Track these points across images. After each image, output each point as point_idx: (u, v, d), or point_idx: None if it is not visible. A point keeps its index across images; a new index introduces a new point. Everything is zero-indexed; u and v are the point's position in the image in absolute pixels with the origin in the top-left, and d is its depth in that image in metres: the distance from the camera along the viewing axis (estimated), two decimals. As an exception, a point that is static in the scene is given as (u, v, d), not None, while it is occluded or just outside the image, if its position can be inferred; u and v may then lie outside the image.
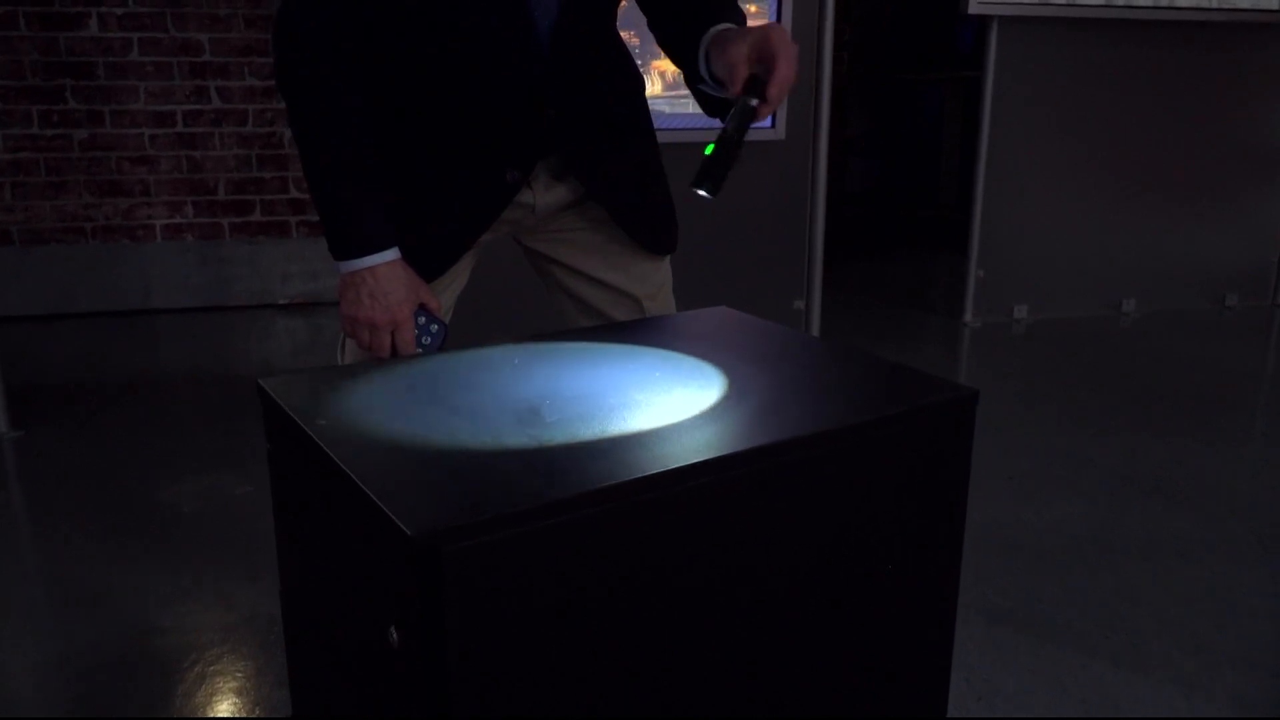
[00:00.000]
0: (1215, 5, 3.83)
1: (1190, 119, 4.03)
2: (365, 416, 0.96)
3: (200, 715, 1.70)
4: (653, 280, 1.46)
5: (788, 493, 0.89)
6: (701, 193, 1.07)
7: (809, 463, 0.90)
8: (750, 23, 1.21)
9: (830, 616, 0.95)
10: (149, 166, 4.02)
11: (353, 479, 0.79)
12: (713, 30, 1.18)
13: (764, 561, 0.89)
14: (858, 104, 6.26)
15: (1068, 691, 1.75)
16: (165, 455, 2.72)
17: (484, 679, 0.75)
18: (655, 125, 1.48)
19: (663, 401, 0.98)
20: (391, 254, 1.24)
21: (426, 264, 1.31)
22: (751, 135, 3.66)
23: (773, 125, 3.43)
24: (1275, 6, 3.89)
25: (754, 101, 1.03)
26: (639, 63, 1.50)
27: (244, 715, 1.70)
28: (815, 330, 3.65)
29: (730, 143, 1.03)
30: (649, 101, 1.49)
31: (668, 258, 1.49)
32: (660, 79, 3.29)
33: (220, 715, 1.70)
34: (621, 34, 1.44)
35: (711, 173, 1.04)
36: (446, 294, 1.39)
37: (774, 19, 3.31)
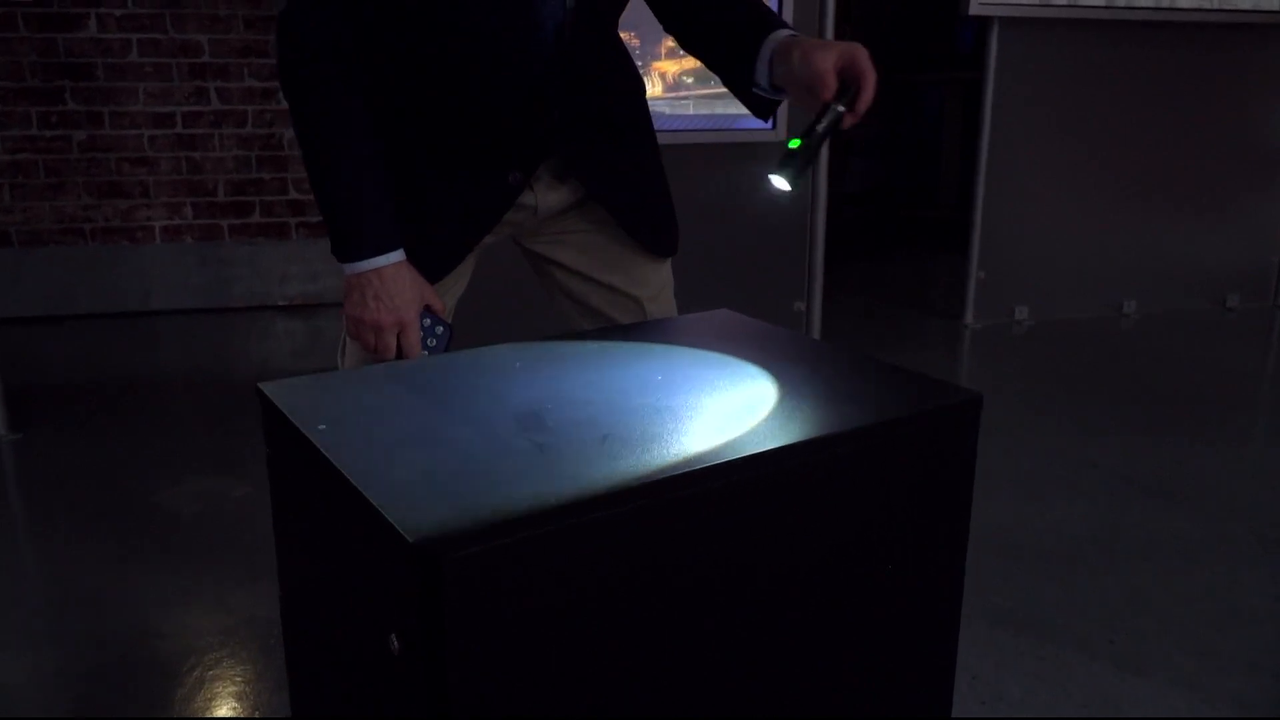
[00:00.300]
0: (1216, 6, 3.82)
1: (1191, 120, 4.03)
2: (365, 421, 0.95)
3: (199, 718, 1.69)
4: (654, 282, 1.46)
5: (792, 497, 0.89)
6: (780, 183, 1.14)
7: (813, 467, 0.89)
8: None
9: (835, 619, 0.95)
10: (148, 168, 4.01)
11: (353, 485, 0.79)
12: (777, 37, 1.21)
13: (768, 565, 0.88)
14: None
15: (1070, 693, 1.74)
16: (164, 457, 2.71)
17: (485, 686, 0.74)
18: (655, 126, 1.48)
19: (665, 406, 0.98)
20: (397, 255, 1.24)
21: (429, 266, 1.30)
22: (750, 136, 3.65)
23: (773, 126, 3.43)
24: (1276, 7, 3.89)
25: (841, 108, 1.12)
26: (639, 64, 1.50)
27: (243, 718, 1.70)
28: (816, 332, 3.65)
29: (817, 142, 1.12)
30: (649, 103, 1.48)
31: (669, 260, 1.49)
32: (660, 80, 3.29)
33: (219, 718, 1.70)
34: (621, 35, 1.44)
35: (795, 165, 1.12)
36: (447, 296, 1.39)
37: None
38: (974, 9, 3.64)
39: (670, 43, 3.30)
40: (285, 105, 4.22)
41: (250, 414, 2.79)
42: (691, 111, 3.35)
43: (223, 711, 1.72)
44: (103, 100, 3.91)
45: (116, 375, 3.45)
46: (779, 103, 1.27)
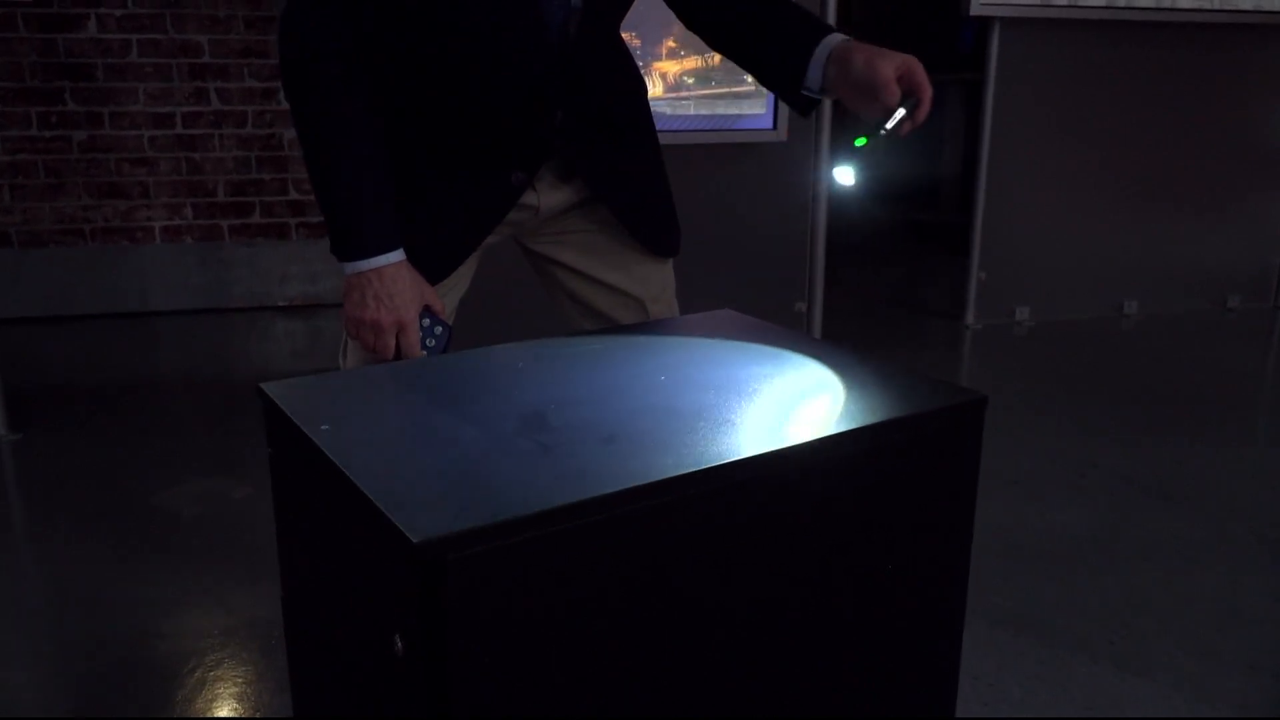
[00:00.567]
0: (1217, 6, 3.82)
1: (1192, 120, 4.03)
2: (368, 422, 0.95)
3: (201, 718, 1.69)
4: (656, 282, 1.46)
5: (796, 497, 0.88)
6: (845, 177, 1.23)
7: (818, 467, 0.89)
8: None
9: (838, 620, 0.95)
10: (148, 168, 4.01)
11: (356, 485, 0.78)
12: (832, 41, 1.24)
13: (772, 566, 0.88)
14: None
15: (1071, 694, 1.74)
16: (164, 457, 2.71)
17: (488, 687, 0.74)
18: (656, 127, 1.48)
19: (668, 406, 0.98)
20: (397, 255, 1.24)
21: (431, 267, 1.30)
22: (751, 137, 3.64)
23: (774, 126, 3.43)
24: (1276, 8, 3.89)
25: (904, 112, 1.19)
26: (639, 64, 1.50)
27: (245, 719, 1.70)
28: (817, 332, 3.65)
29: (881, 142, 1.20)
30: (650, 103, 1.48)
31: (670, 261, 1.49)
32: (661, 80, 3.29)
33: (221, 718, 1.70)
34: (622, 35, 1.44)
35: (861, 159, 1.22)
36: (449, 297, 1.38)
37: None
38: (975, 9, 3.63)
39: (671, 43, 3.32)
40: (285, 105, 4.23)
41: (250, 415, 2.79)
42: (692, 112, 3.35)
43: (224, 712, 1.71)
44: (103, 100, 3.91)
45: (116, 375, 3.45)
46: (819, 102, 1.31)
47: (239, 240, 4.15)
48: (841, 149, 1.21)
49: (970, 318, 3.99)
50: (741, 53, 1.38)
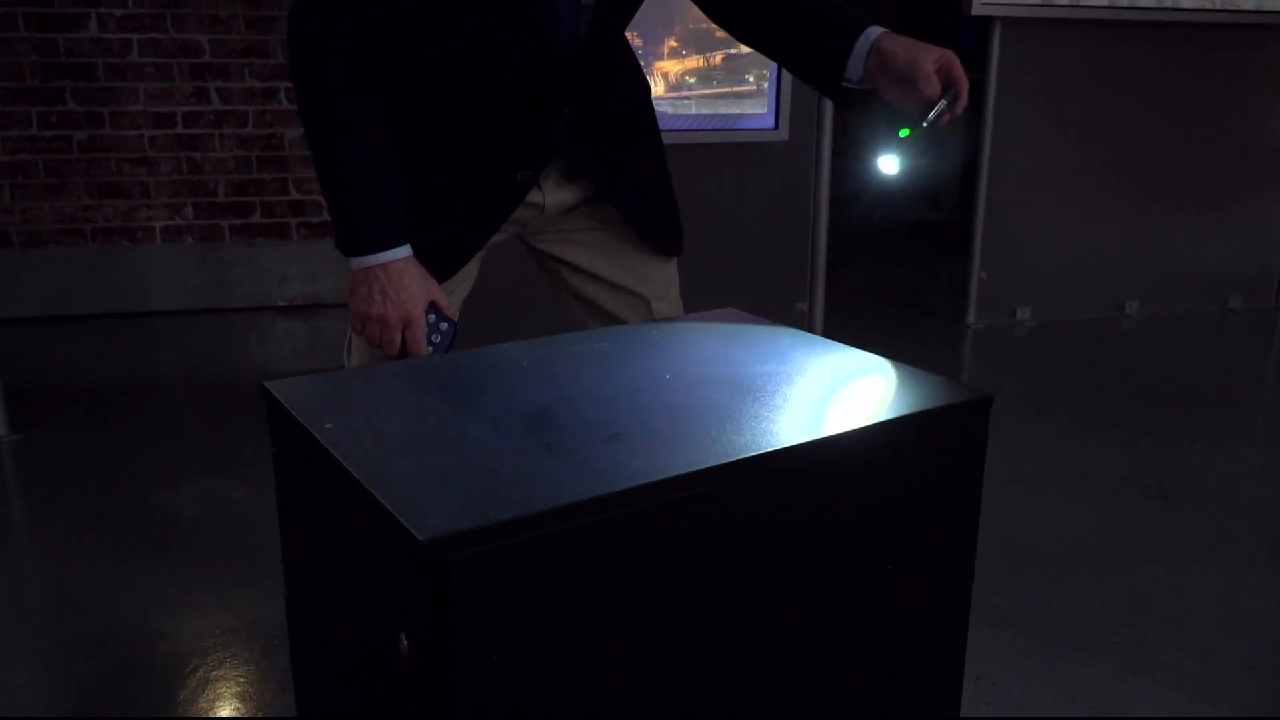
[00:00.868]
0: (1219, 6, 3.82)
1: (1193, 120, 4.03)
2: (372, 420, 0.95)
3: (203, 718, 1.69)
4: (660, 280, 1.46)
5: (801, 495, 0.88)
6: (890, 166, 1.27)
7: (823, 465, 0.89)
8: None
9: (843, 619, 0.94)
10: (148, 168, 4.01)
11: (361, 484, 0.78)
12: (871, 35, 1.25)
13: (778, 565, 0.88)
14: (859, 106, 6.25)
15: (1073, 694, 1.74)
16: (165, 458, 2.71)
17: (494, 686, 0.74)
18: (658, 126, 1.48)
19: (674, 404, 0.97)
20: (404, 251, 1.24)
21: (437, 265, 1.30)
22: (753, 136, 3.63)
23: (775, 126, 3.43)
24: (1277, 8, 3.88)
25: (945, 103, 1.21)
26: (641, 64, 1.50)
27: (247, 719, 1.69)
28: (818, 332, 3.64)
29: (925, 131, 1.23)
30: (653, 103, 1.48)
31: (674, 260, 1.49)
32: (663, 80, 3.28)
33: (223, 718, 1.69)
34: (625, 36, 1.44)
35: (905, 149, 1.26)
36: (453, 296, 1.38)
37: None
38: (976, 9, 3.63)
39: (673, 42, 3.32)
40: (286, 105, 4.23)
41: (250, 415, 2.79)
42: (694, 111, 3.35)
43: (226, 712, 1.71)
44: (103, 100, 3.90)
45: (116, 376, 3.44)
46: (855, 92, 1.32)
47: (239, 240, 4.14)
48: (887, 139, 1.26)
49: (971, 317, 3.99)
50: (777, 47, 1.40)
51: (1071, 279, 4.06)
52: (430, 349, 1.27)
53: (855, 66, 1.27)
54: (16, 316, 3.90)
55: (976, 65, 4.12)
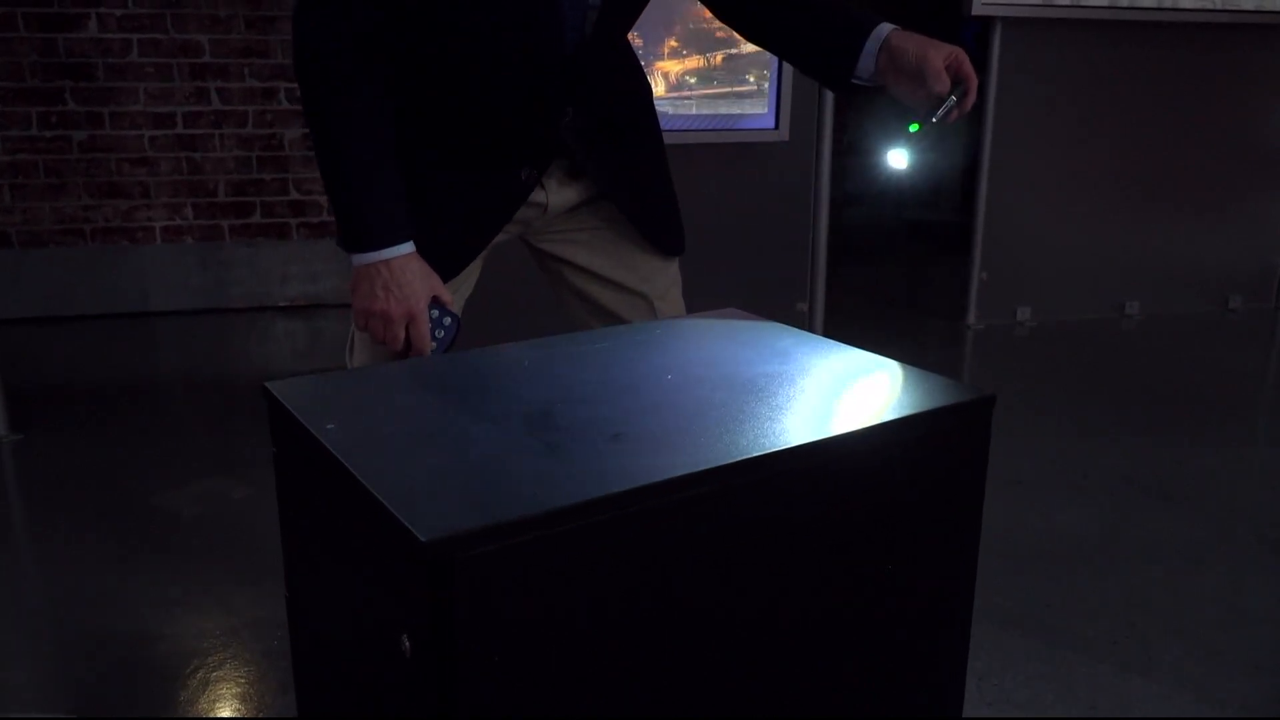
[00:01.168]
0: (1219, 6, 3.82)
1: (1193, 120, 4.03)
2: (374, 420, 0.94)
3: (203, 719, 1.68)
4: (662, 280, 1.46)
5: (804, 495, 0.88)
6: (899, 161, 1.27)
7: (826, 466, 0.89)
8: None
9: (846, 619, 0.94)
10: (148, 168, 4.00)
11: (362, 484, 0.78)
12: (882, 32, 1.26)
13: (780, 565, 0.88)
14: (860, 106, 6.25)
15: (1076, 694, 1.74)
16: (165, 458, 2.71)
17: (497, 687, 0.74)
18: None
19: (676, 404, 0.97)
20: (407, 247, 1.24)
21: (440, 266, 1.30)
22: (753, 136, 3.63)
23: (776, 126, 3.43)
24: (1278, 8, 3.88)
25: (955, 99, 1.23)
26: (642, 64, 1.50)
27: (247, 719, 1.69)
28: (818, 332, 3.64)
29: (934, 128, 1.25)
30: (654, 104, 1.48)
31: (676, 260, 1.49)
32: (663, 80, 3.28)
33: (223, 719, 1.69)
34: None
35: (913, 146, 1.26)
36: (456, 296, 1.38)
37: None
38: (976, 9, 3.63)
39: (674, 42, 3.32)
40: (286, 106, 4.23)
41: (250, 415, 2.78)
42: (694, 111, 3.34)
43: (226, 713, 1.71)
44: (103, 100, 3.90)
45: (116, 376, 3.44)
46: (864, 88, 1.33)
47: (239, 240, 4.14)
48: (897, 134, 1.26)
49: (972, 318, 3.99)
50: (785, 45, 1.40)
51: (1072, 279, 4.06)
52: (434, 344, 1.27)
53: (866, 64, 1.28)
54: (16, 316, 3.90)
55: (977, 65, 4.12)
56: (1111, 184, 4.02)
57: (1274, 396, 3.50)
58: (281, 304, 4.18)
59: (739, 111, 3.38)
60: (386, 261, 1.22)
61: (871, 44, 1.27)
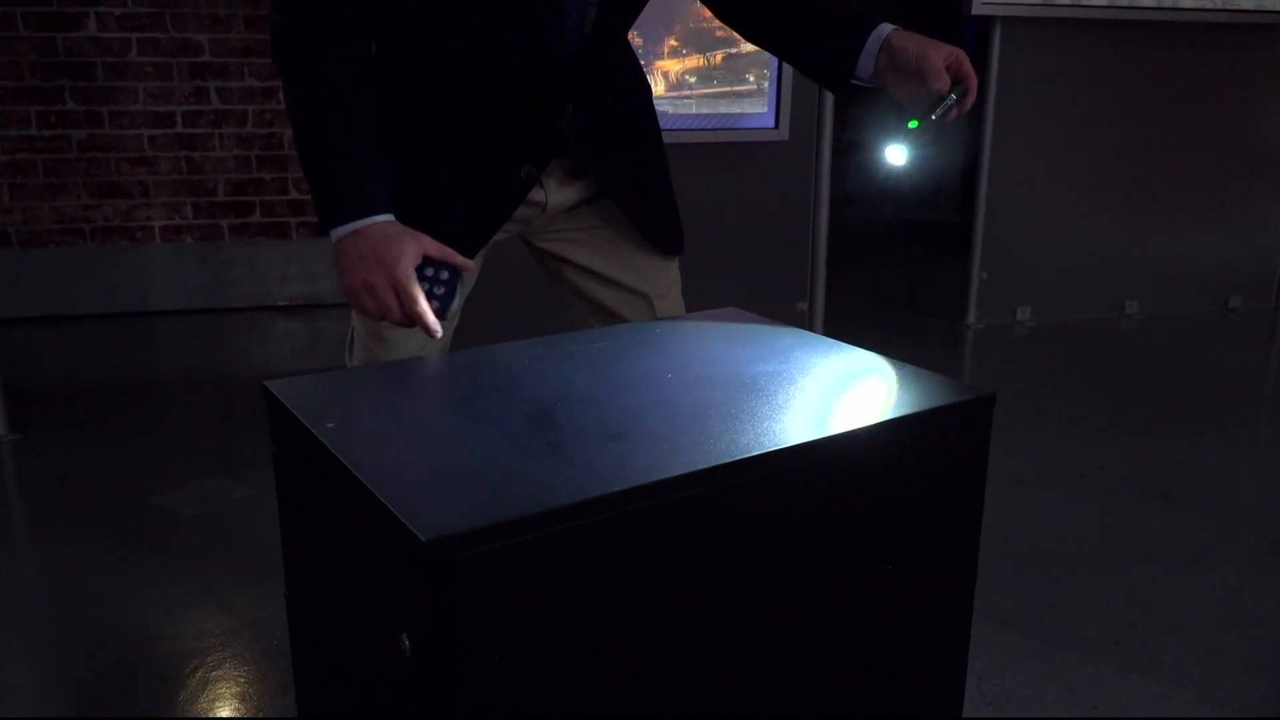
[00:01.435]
0: (1219, 6, 3.82)
1: (1193, 120, 4.03)
2: (374, 419, 0.94)
3: (203, 718, 1.68)
4: (662, 279, 1.46)
5: (805, 494, 0.88)
6: (897, 156, 1.26)
7: (826, 465, 0.89)
8: None
9: (846, 618, 0.94)
10: (148, 168, 4.00)
11: (363, 483, 0.78)
12: (882, 33, 1.26)
13: (781, 564, 0.88)
14: (860, 105, 6.25)
15: (1077, 695, 1.74)
16: (165, 458, 2.70)
17: (497, 687, 0.74)
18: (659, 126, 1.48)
19: (676, 403, 0.97)
20: (383, 217, 1.17)
21: None
22: (753, 136, 3.64)
23: (776, 126, 3.43)
24: (1278, 8, 3.88)
25: (954, 97, 1.23)
26: (642, 64, 1.50)
27: (247, 719, 1.69)
28: (819, 332, 3.64)
29: (933, 126, 1.25)
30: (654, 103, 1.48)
31: (676, 259, 1.49)
32: (663, 79, 3.28)
33: (223, 719, 1.69)
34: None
35: (912, 142, 1.26)
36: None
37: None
38: (977, 9, 3.63)
39: (674, 41, 3.32)
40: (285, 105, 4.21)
41: (250, 415, 2.78)
42: (694, 111, 3.34)
43: (226, 713, 1.71)
44: (102, 100, 3.90)
45: (116, 375, 3.44)
46: (862, 89, 1.33)
47: (239, 240, 4.14)
48: (897, 132, 1.26)
49: (971, 318, 3.98)
50: (784, 45, 1.40)
51: (1072, 279, 4.05)
52: (436, 304, 1.16)
53: (866, 64, 1.28)
54: (16, 316, 3.90)
55: (976, 65, 4.12)
56: (1111, 184, 4.02)
57: (1274, 396, 3.50)
58: (281, 304, 4.18)
59: (739, 111, 3.38)
60: (356, 231, 1.15)
61: (872, 44, 1.27)
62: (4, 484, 2.61)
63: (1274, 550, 2.26)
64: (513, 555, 0.72)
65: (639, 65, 1.47)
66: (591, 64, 1.29)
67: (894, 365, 1.08)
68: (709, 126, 3.36)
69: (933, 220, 6.05)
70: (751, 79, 3.37)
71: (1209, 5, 3.81)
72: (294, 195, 4.16)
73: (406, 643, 0.75)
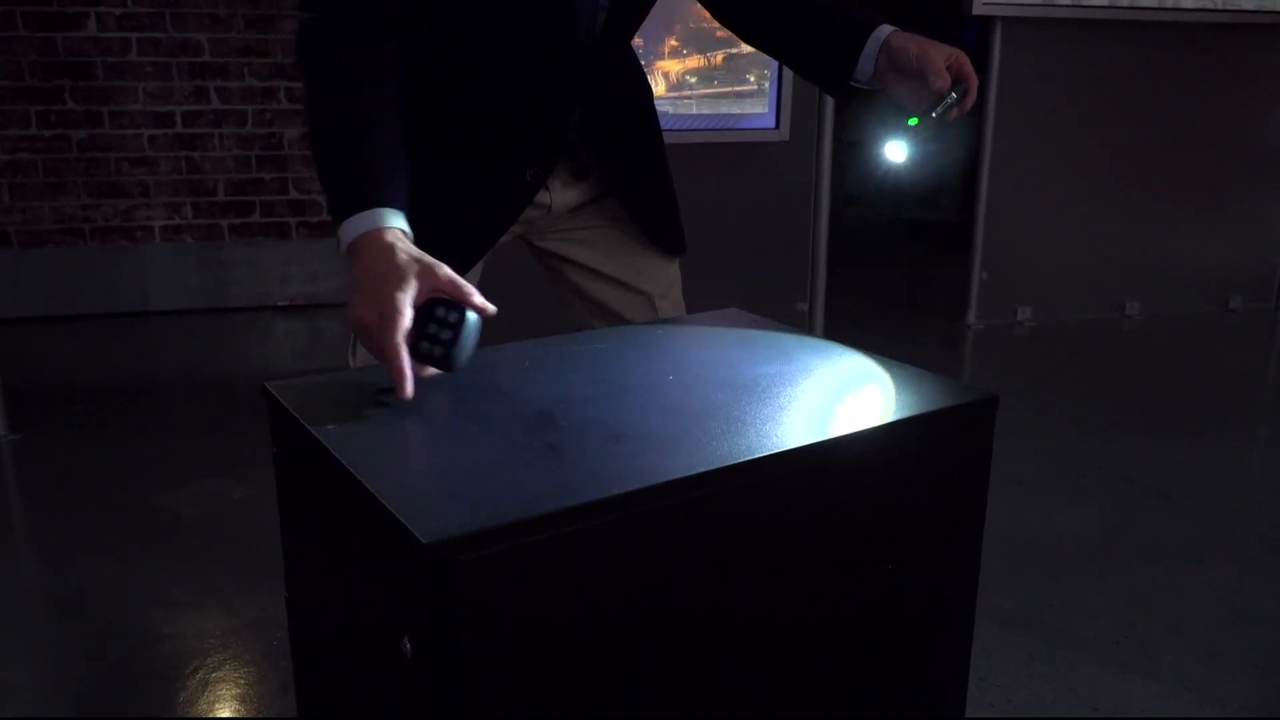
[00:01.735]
0: (1219, 6, 3.82)
1: (1193, 120, 4.03)
2: (375, 421, 0.94)
3: (203, 719, 1.68)
4: (664, 279, 1.46)
5: (806, 497, 0.88)
6: (897, 153, 1.27)
7: (828, 467, 0.89)
8: None
9: (849, 619, 0.94)
10: (148, 168, 4.00)
11: (364, 485, 0.78)
12: (881, 34, 1.26)
13: (783, 566, 0.88)
14: (860, 105, 6.25)
15: (1078, 694, 1.74)
16: (165, 458, 2.70)
17: (498, 689, 0.73)
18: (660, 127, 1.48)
19: (677, 405, 0.97)
20: (393, 216, 1.04)
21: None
22: (753, 136, 3.63)
23: (776, 126, 3.43)
24: (1278, 8, 3.88)
25: (954, 97, 1.24)
26: (643, 64, 1.50)
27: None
28: (818, 333, 3.64)
29: (933, 124, 1.26)
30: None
31: (677, 260, 1.49)
32: (664, 80, 3.28)
33: (223, 719, 1.69)
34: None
35: (913, 138, 1.27)
36: None
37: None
38: (977, 9, 3.63)
39: (674, 42, 3.32)
40: (285, 105, 4.22)
41: (250, 415, 2.78)
42: (695, 111, 3.34)
43: (226, 713, 1.71)
44: (102, 100, 3.90)
45: (116, 375, 3.44)
46: (861, 91, 1.33)
47: (239, 240, 4.14)
48: (897, 131, 1.27)
49: (972, 318, 3.98)
50: (782, 46, 1.40)
51: (1072, 279, 4.05)
52: (440, 349, 0.98)
53: (865, 65, 1.27)
54: (16, 316, 3.90)
55: (976, 65, 4.12)
56: (1111, 184, 4.02)
57: (1274, 396, 3.50)
58: (281, 304, 4.18)
59: (739, 111, 3.38)
60: (370, 241, 1.01)
61: (871, 46, 1.26)
62: (4, 484, 2.61)
63: (1274, 550, 2.26)
64: (514, 557, 0.72)
65: (640, 66, 1.47)
66: (598, 66, 1.29)
67: (896, 367, 1.08)
68: (709, 127, 3.36)
69: (933, 220, 6.05)
70: (752, 79, 3.37)
71: (1209, 5, 3.81)
72: (294, 195, 4.16)
73: (407, 645, 0.75)
